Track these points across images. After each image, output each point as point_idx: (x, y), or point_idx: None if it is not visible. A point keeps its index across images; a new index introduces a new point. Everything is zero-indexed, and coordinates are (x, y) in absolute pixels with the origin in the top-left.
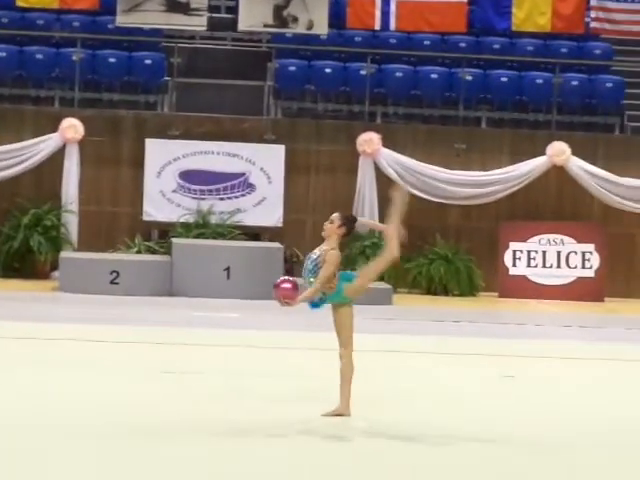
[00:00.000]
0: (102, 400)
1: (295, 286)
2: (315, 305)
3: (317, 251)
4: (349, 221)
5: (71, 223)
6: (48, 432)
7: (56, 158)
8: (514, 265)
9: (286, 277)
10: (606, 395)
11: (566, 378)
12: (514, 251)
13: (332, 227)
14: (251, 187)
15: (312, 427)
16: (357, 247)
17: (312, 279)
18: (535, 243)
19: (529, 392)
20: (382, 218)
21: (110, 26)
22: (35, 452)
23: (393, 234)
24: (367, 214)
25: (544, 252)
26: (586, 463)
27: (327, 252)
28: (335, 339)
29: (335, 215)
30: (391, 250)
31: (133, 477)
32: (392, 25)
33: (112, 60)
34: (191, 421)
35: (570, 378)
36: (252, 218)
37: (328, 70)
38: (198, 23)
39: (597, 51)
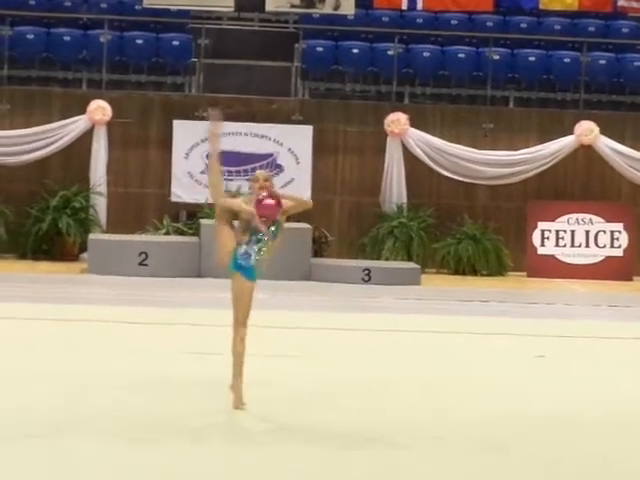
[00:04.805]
0: (128, 381)
1: (279, 203)
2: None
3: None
4: None
5: (99, 205)
6: (73, 413)
7: (84, 140)
8: (542, 245)
9: (266, 194)
10: (638, 374)
11: (597, 357)
12: (542, 231)
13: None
14: (279, 168)
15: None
16: (385, 228)
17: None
18: (563, 222)
19: (561, 372)
20: (410, 198)
21: (137, 7)
22: (62, 434)
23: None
24: (395, 194)
25: (572, 231)
26: (618, 442)
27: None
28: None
29: (266, 174)
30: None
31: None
32: (419, 5)
33: (139, 42)
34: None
35: (601, 357)
36: None
37: (355, 50)
38: (225, 4)
39: (625, 30)
